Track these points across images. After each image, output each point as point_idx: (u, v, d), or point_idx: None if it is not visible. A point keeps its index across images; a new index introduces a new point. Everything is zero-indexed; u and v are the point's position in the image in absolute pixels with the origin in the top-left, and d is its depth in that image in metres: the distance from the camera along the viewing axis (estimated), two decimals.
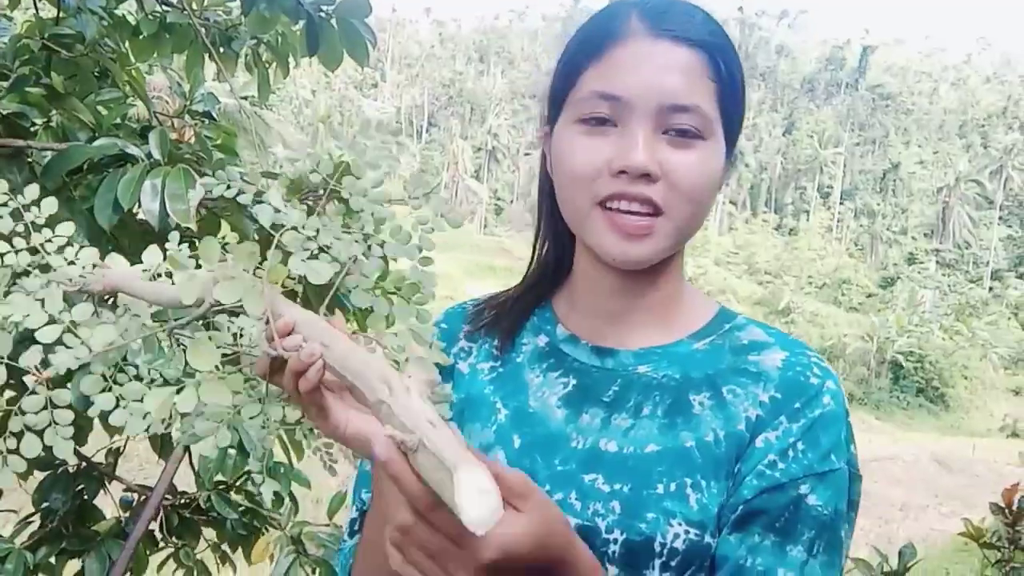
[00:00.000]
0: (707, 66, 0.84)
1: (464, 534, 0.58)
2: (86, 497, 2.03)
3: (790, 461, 0.81)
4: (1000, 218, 71.74)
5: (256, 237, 1.64)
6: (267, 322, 0.70)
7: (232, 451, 1.59)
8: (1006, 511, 3.49)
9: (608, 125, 0.83)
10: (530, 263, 1.00)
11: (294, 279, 0.74)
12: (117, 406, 0.72)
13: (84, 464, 2.01)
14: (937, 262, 67.25)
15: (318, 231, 0.72)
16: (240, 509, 1.99)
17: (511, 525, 0.62)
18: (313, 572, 1.92)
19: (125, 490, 2.22)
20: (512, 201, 75.74)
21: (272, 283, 0.71)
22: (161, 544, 2.14)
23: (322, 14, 1.86)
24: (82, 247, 0.75)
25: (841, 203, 75.13)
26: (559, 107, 0.89)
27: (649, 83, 0.82)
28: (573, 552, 0.68)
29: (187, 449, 1.84)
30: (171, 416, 0.78)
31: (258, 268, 0.70)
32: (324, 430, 0.79)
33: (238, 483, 2.05)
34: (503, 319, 0.98)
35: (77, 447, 1.99)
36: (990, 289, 64.80)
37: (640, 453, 0.84)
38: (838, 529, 0.82)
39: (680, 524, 0.81)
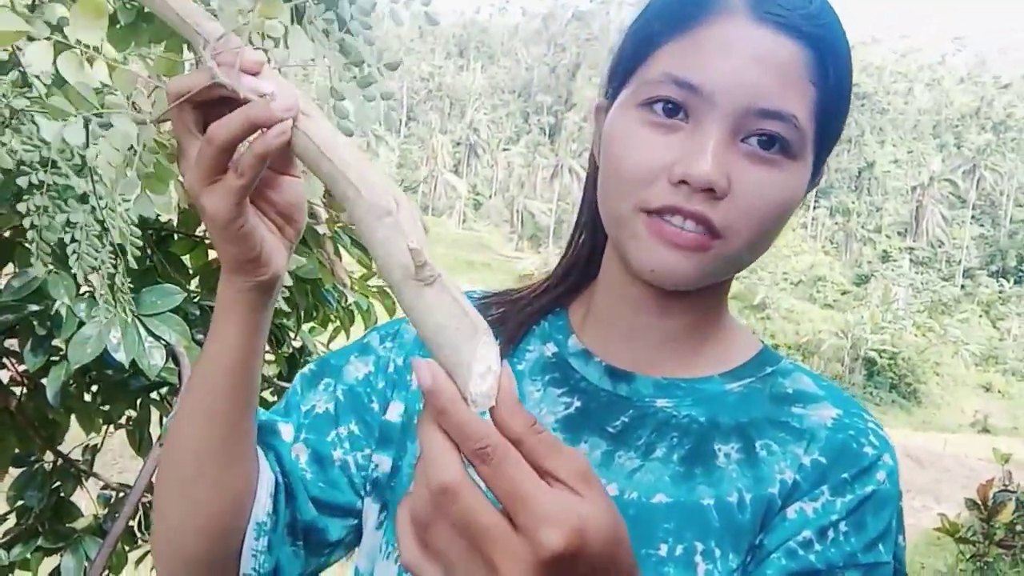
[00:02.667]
0: (811, 66, 0.67)
1: (527, 508, 0.45)
2: (62, 494, 2.00)
3: (829, 544, 0.67)
4: (972, 217, 72.74)
5: None
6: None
7: None
8: (981, 506, 3.55)
9: (678, 118, 0.67)
10: (561, 259, 0.86)
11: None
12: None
13: (60, 461, 1.98)
14: (911, 260, 68.04)
15: None
16: None
17: (578, 505, 0.46)
18: None
19: (103, 487, 2.18)
20: (491, 196, 75.65)
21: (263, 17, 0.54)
22: (140, 542, 2.11)
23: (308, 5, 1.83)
24: None
25: (816, 201, 75.76)
26: (622, 81, 0.72)
27: (737, 75, 0.65)
28: (633, 566, 0.52)
29: None
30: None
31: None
32: (219, 213, 0.59)
33: None
34: (511, 318, 0.83)
35: (53, 444, 1.97)
36: (962, 287, 65.69)
37: (645, 502, 0.70)
38: None
39: None
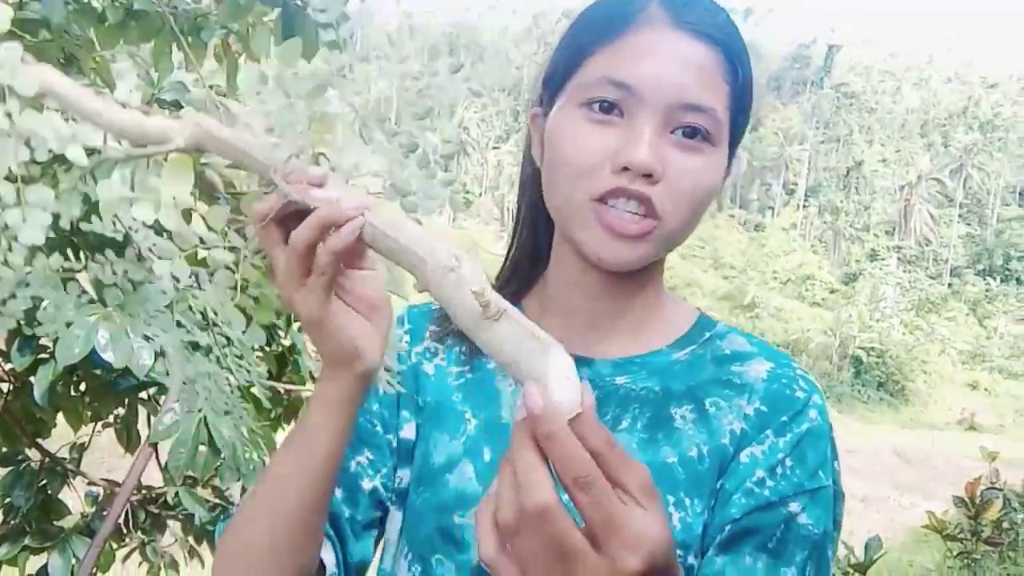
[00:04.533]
0: (724, 67, 0.78)
1: (616, 535, 0.51)
2: (49, 492, 1.99)
3: (779, 478, 0.77)
4: (960, 216, 73.15)
5: None
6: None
7: (203, 448, 1.56)
8: (969, 504, 3.58)
9: (614, 114, 0.76)
10: (505, 259, 0.93)
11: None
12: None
13: (47, 460, 1.97)
14: (898, 259, 68.36)
15: None
16: (208, 505, 1.97)
17: (650, 525, 0.52)
18: None
19: (88, 483, 2.18)
20: (481, 194, 75.61)
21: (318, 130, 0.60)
22: (127, 539, 2.11)
23: (297, 3, 1.83)
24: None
25: (805, 200, 76.05)
26: (559, 87, 0.81)
27: (664, 75, 0.75)
28: (678, 567, 0.60)
29: (155, 444, 1.81)
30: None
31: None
32: (310, 313, 0.64)
33: (207, 479, 2.02)
34: None
35: (40, 442, 1.95)
36: (949, 285, 66.06)
37: None
38: (826, 549, 0.78)
39: None
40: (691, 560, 0.76)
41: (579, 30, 0.81)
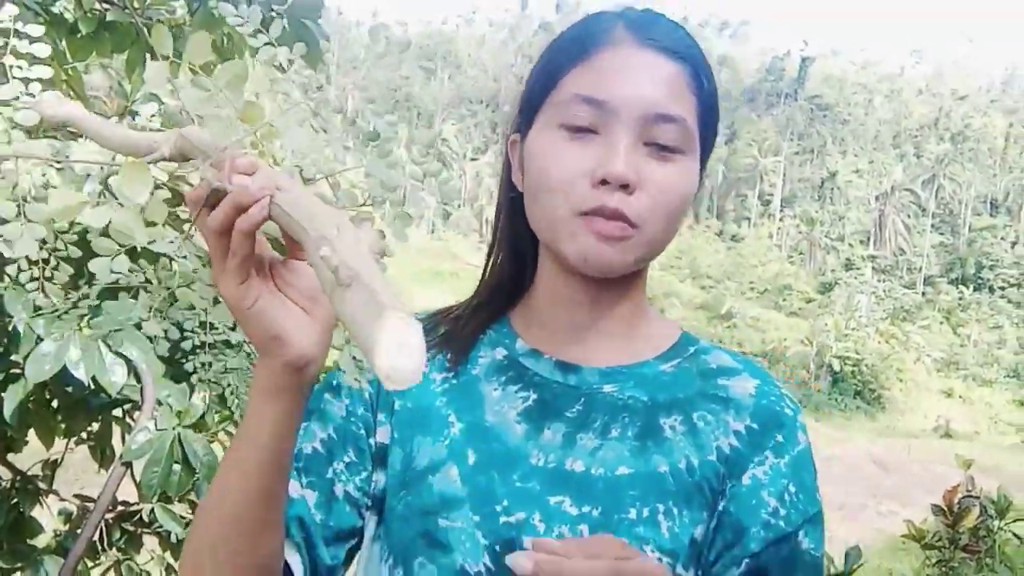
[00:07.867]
0: (690, 80, 0.82)
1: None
2: (22, 511, 1.95)
3: (789, 507, 0.82)
4: (932, 226, 74.13)
5: None
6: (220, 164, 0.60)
7: (177, 466, 1.54)
8: (946, 512, 3.61)
9: (590, 133, 0.81)
10: (483, 275, 0.96)
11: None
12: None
13: (19, 478, 1.93)
14: (873, 268, 69.10)
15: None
16: (185, 522, 1.94)
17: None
18: None
19: (61, 501, 2.14)
20: (460, 206, 75.63)
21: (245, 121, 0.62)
22: (100, 558, 2.07)
23: (273, 14, 1.81)
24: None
25: (781, 211, 76.75)
26: (535, 111, 0.86)
27: (634, 90, 0.80)
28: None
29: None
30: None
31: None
32: (229, 295, 0.66)
33: (184, 494, 1.99)
34: (457, 334, 0.93)
35: (11, 460, 1.92)
36: (923, 294, 66.84)
37: (611, 476, 0.82)
38: (821, 569, 0.83)
39: (653, 552, 0.79)
40: (679, 569, 0.80)
41: (553, 52, 0.86)
